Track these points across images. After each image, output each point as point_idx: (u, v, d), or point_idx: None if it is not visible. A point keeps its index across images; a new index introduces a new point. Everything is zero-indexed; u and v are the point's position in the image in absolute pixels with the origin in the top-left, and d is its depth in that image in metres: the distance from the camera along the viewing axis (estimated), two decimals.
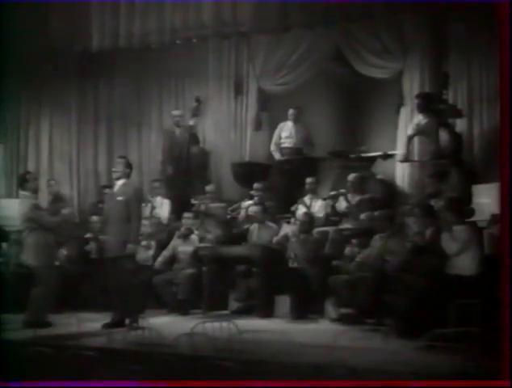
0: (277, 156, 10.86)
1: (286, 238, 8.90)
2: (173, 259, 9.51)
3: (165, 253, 9.51)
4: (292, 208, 9.65)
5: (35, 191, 8.35)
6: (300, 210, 9.52)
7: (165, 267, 9.45)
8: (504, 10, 4.96)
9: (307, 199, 9.73)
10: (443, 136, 9.15)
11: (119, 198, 7.80)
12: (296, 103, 10.85)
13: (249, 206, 9.78)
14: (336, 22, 10.15)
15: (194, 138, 11.14)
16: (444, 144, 9.12)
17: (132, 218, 7.78)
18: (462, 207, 7.49)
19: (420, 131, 9.39)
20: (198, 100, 11.05)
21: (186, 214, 9.68)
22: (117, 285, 7.70)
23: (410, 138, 9.52)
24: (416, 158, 9.78)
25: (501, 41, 4.95)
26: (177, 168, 10.96)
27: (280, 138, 10.84)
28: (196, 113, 11.03)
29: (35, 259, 7.92)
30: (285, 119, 10.90)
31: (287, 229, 9.16)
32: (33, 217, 7.96)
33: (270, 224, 9.33)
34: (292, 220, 9.49)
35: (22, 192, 8.18)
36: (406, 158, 9.55)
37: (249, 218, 9.58)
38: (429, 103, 9.35)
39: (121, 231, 7.72)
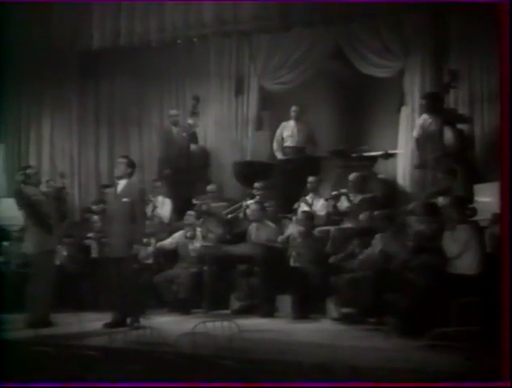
0: (279, 155, 10.87)
1: (291, 237, 8.89)
2: (173, 256, 9.54)
3: (168, 244, 9.59)
4: (294, 206, 9.65)
5: (37, 185, 8.36)
6: (302, 208, 9.54)
7: (163, 259, 9.58)
8: (504, 10, 4.97)
9: (309, 198, 9.74)
10: (448, 134, 9.13)
11: (125, 199, 7.79)
12: (298, 102, 10.86)
13: (249, 205, 9.77)
14: (336, 21, 10.17)
15: (192, 137, 11.14)
16: (448, 142, 9.10)
17: (137, 219, 7.81)
18: (467, 206, 7.51)
19: (425, 131, 9.34)
20: (196, 98, 11.03)
21: (189, 212, 9.69)
22: (119, 285, 7.71)
23: (418, 141, 9.42)
24: (420, 157, 9.70)
25: (501, 41, 4.96)
26: (177, 167, 10.96)
27: (282, 138, 10.85)
28: (195, 112, 11.02)
29: (34, 246, 7.93)
30: (286, 118, 10.91)
31: (292, 229, 9.15)
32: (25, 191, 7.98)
33: (269, 223, 9.32)
34: (294, 218, 9.49)
35: (24, 187, 8.14)
36: (422, 164, 9.43)
37: (249, 217, 9.59)
38: (435, 103, 9.31)
39: (126, 232, 7.72)
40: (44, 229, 7.93)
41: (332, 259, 8.31)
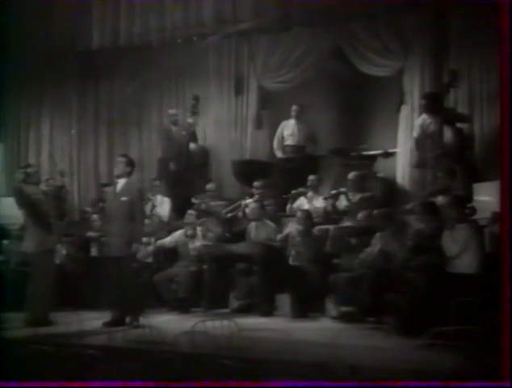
0: (279, 154, 10.89)
1: (290, 235, 8.90)
2: (172, 254, 9.55)
3: (168, 242, 9.59)
4: (293, 191, 9.66)
5: (37, 184, 8.36)
6: (300, 201, 9.62)
7: (162, 258, 9.59)
8: (504, 9, 4.97)
9: (309, 195, 9.75)
10: (447, 133, 9.13)
11: (124, 198, 7.78)
12: (298, 101, 10.87)
13: (248, 204, 9.78)
14: (336, 21, 10.17)
15: (192, 136, 11.15)
16: (448, 141, 9.09)
17: (136, 218, 7.80)
18: (466, 205, 7.51)
19: (424, 131, 9.32)
20: (196, 98, 11.03)
21: (190, 211, 9.69)
22: (119, 284, 7.71)
23: (417, 141, 9.41)
24: (419, 156, 9.68)
25: (501, 40, 4.96)
26: (177, 166, 10.97)
27: (283, 137, 10.87)
28: (194, 111, 11.02)
29: (34, 245, 7.92)
30: (286, 117, 10.93)
31: (291, 227, 9.15)
32: (23, 189, 7.97)
33: (268, 222, 9.33)
34: (288, 206, 9.57)
35: (24, 186, 8.13)
36: (421, 163, 9.41)
37: (248, 216, 9.59)
38: (435, 103, 9.30)
39: (125, 231, 7.71)
40: (43, 228, 7.92)
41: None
